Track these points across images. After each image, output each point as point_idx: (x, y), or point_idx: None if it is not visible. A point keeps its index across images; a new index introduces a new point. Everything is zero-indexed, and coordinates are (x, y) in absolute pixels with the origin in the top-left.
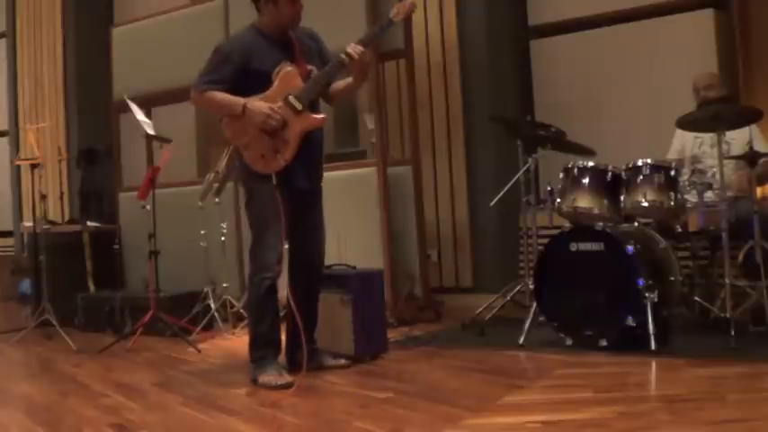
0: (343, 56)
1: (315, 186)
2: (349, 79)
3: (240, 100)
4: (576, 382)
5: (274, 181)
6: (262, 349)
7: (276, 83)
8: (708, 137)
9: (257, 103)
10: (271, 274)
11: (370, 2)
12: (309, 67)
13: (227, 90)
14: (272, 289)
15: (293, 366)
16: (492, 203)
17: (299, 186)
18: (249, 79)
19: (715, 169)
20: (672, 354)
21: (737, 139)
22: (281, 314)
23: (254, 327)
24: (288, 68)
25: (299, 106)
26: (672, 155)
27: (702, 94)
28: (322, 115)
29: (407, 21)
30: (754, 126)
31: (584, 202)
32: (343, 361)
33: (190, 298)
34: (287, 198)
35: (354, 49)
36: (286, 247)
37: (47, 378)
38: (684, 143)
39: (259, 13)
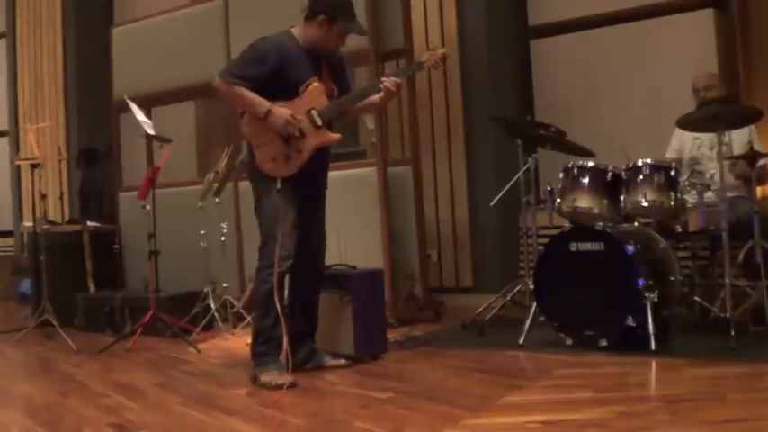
0: (381, 86)
1: (322, 190)
2: (374, 97)
3: (266, 104)
4: (576, 382)
5: (278, 185)
6: (264, 344)
7: (303, 95)
8: (707, 138)
9: (281, 109)
10: (279, 270)
11: (371, 3)
12: (333, 86)
13: (253, 89)
14: (280, 285)
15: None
16: (492, 203)
17: (308, 189)
18: (277, 84)
19: (714, 171)
20: (672, 354)
21: (736, 139)
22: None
23: (259, 321)
24: (316, 84)
25: (319, 122)
26: (670, 154)
27: (702, 95)
28: (338, 135)
29: (437, 68)
30: (752, 126)
31: (584, 202)
32: (342, 361)
33: (190, 298)
34: (296, 199)
35: (393, 82)
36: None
37: (47, 378)
38: (683, 143)
39: (306, 23)
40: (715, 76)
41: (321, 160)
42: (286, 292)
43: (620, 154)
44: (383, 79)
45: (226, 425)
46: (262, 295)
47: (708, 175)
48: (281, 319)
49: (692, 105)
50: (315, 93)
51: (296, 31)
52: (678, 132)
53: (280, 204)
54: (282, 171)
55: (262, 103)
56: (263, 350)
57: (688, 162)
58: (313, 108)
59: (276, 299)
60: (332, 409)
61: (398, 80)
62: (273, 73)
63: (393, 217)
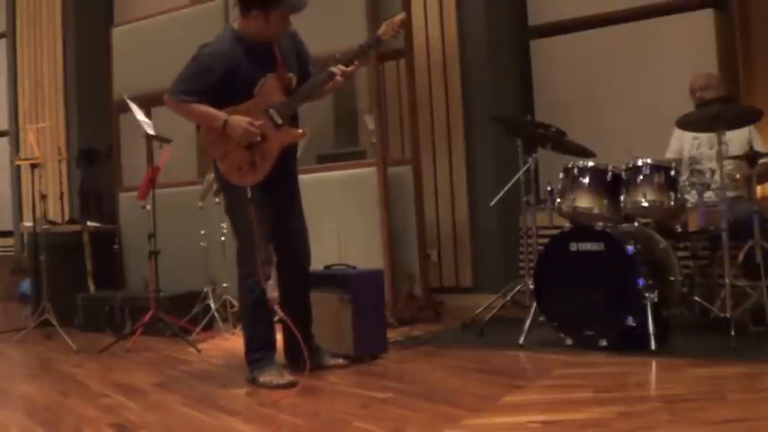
0: (330, 72)
1: (293, 188)
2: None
3: (221, 115)
4: (575, 382)
5: (249, 193)
6: (259, 351)
7: (257, 95)
8: (705, 138)
9: (237, 118)
10: (262, 276)
11: (371, 2)
12: (290, 74)
13: (203, 101)
14: (265, 292)
15: (294, 367)
16: (492, 203)
17: (278, 190)
18: (230, 88)
19: (713, 167)
20: (672, 354)
21: (734, 139)
22: (276, 318)
23: (251, 330)
24: (269, 80)
25: (279, 120)
26: (670, 155)
27: (699, 95)
28: (301, 130)
29: (396, 37)
30: (752, 127)
31: (584, 202)
32: (341, 360)
33: (190, 298)
34: (268, 203)
35: (341, 71)
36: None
37: (47, 378)
38: (683, 143)
39: (243, 18)
40: (713, 76)
41: (287, 158)
42: (274, 294)
43: (626, 155)
44: (332, 69)
45: (226, 425)
46: (251, 304)
47: (708, 175)
48: (274, 323)
49: (692, 105)
50: (270, 89)
51: (237, 26)
52: (677, 133)
53: (254, 214)
54: (250, 179)
55: (216, 116)
56: (259, 356)
57: (687, 161)
58: (271, 107)
59: (271, 304)
60: (332, 409)
61: (348, 69)
62: (223, 79)
63: (393, 217)
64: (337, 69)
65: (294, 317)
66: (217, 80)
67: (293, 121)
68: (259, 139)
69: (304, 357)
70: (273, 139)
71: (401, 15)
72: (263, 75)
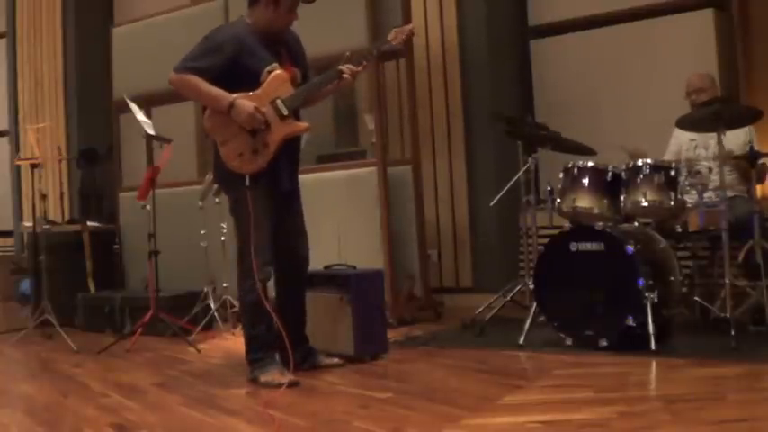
0: (339, 72)
1: (296, 187)
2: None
3: (228, 96)
4: (575, 382)
5: (247, 182)
6: (260, 351)
7: (265, 84)
8: (702, 139)
9: (244, 102)
10: (263, 276)
11: (370, 3)
12: (295, 69)
13: (210, 81)
14: (264, 292)
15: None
16: (492, 203)
17: (284, 188)
18: (237, 74)
19: (711, 167)
20: (672, 354)
21: (730, 139)
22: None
23: (251, 330)
24: (278, 71)
25: (284, 111)
26: (668, 156)
27: (693, 98)
28: (305, 124)
29: (402, 45)
30: (750, 127)
31: (584, 202)
32: (336, 360)
33: (190, 298)
34: (270, 201)
35: (350, 70)
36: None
37: (47, 378)
38: (681, 145)
39: (252, 9)
40: (708, 78)
41: (290, 154)
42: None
43: (627, 155)
44: (341, 67)
45: (226, 425)
46: (249, 305)
47: (705, 172)
48: (278, 324)
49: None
50: (278, 80)
51: (248, 19)
52: (676, 134)
53: (252, 206)
54: (250, 167)
55: (223, 97)
56: (260, 356)
57: (684, 164)
58: (278, 97)
59: (266, 306)
60: (332, 409)
61: (357, 69)
62: (231, 62)
63: (393, 217)
64: (346, 68)
65: (288, 319)
66: (226, 61)
67: (296, 116)
68: (263, 126)
69: (293, 359)
70: (277, 129)
71: (411, 26)
72: (270, 65)
